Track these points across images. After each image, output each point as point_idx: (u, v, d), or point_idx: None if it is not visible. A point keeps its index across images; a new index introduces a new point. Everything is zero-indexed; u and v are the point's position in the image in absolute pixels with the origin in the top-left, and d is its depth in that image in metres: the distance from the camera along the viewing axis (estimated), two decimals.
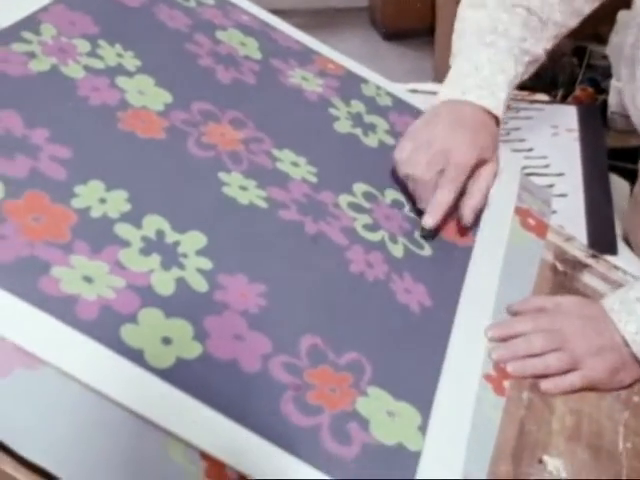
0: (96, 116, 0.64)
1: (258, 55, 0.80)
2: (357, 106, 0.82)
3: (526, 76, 0.85)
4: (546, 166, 1.09)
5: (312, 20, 3.19)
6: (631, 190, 1.02)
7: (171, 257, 0.58)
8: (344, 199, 0.70)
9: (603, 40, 1.44)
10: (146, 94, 0.68)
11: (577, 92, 1.49)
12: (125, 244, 0.57)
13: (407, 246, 0.70)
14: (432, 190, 0.72)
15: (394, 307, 0.64)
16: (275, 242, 0.63)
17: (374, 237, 0.69)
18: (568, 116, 1.21)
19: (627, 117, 1.37)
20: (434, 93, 1.31)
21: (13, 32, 0.67)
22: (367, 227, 0.69)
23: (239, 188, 0.66)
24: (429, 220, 0.71)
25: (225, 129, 0.70)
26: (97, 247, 0.56)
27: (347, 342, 0.59)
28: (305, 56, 0.85)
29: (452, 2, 2.62)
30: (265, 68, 0.79)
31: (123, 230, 0.58)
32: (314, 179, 0.70)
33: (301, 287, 0.61)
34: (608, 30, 1.40)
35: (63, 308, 0.51)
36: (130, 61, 0.71)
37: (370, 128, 0.80)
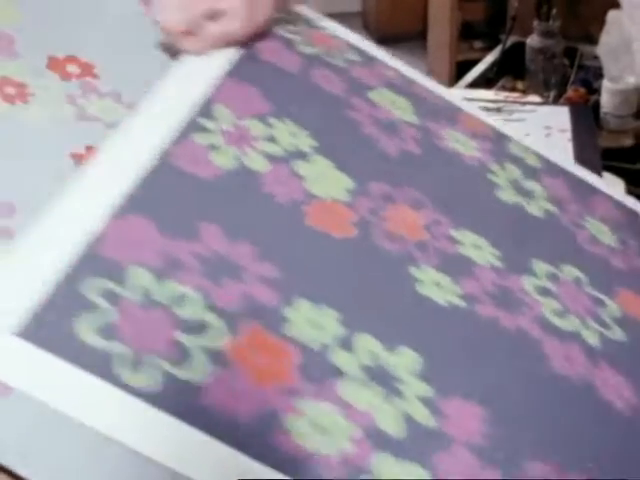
0: (286, 216, 0.60)
1: (413, 118, 0.75)
2: (513, 170, 0.77)
3: None
4: None
5: None
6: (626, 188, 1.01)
7: (389, 385, 0.53)
8: (529, 282, 0.66)
9: (594, 40, 1.44)
10: (326, 180, 0.64)
11: (569, 93, 1.49)
12: (343, 375, 0.52)
13: (601, 332, 0.65)
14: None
15: (602, 410, 0.59)
16: (481, 348, 0.59)
17: (566, 325, 0.64)
18: (561, 117, 1.20)
19: (620, 117, 1.38)
20: None
21: (191, 121, 0.63)
22: (557, 313, 0.64)
23: (433, 284, 0.61)
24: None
25: (405, 213, 0.66)
26: (319, 383, 0.51)
27: (575, 465, 0.55)
28: (451, 114, 0.80)
29: (444, 6, 2.62)
30: (423, 133, 0.74)
31: (339, 358, 0.53)
32: (498, 263, 0.66)
33: (516, 400, 0.57)
34: (599, 30, 1.40)
35: (304, 469, 0.47)
36: (304, 141, 0.66)
37: (529, 195, 0.75)
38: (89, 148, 0.63)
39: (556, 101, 1.44)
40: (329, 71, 0.74)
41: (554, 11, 1.45)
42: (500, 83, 1.61)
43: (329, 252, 0.59)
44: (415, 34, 3.05)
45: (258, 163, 0.62)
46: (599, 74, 1.43)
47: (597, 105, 1.40)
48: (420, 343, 0.56)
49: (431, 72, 2.74)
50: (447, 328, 0.59)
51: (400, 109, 0.75)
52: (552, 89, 1.48)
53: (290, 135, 0.65)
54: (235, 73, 0.68)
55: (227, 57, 0.69)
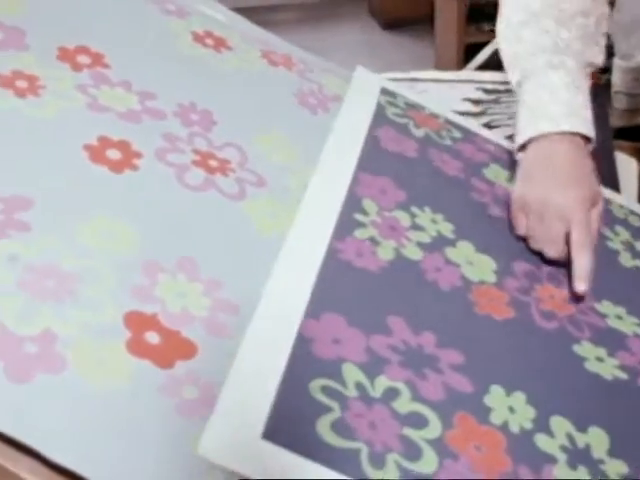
0: (453, 303, 0.63)
1: None
2: (623, 233, 0.80)
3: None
4: None
5: (311, 12, 3.18)
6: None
7: (594, 466, 0.55)
8: None
9: None
10: (474, 264, 0.68)
11: None
12: (552, 460, 0.55)
13: None
14: (564, 249, 0.72)
15: None
16: None
17: None
18: None
19: (632, 95, 1.36)
20: (436, 81, 1.30)
21: (347, 217, 0.66)
22: None
23: (596, 360, 0.64)
24: (581, 285, 0.69)
25: (550, 289, 0.69)
26: (535, 469, 0.53)
27: None
28: None
29: None
30: None
31: (542, 442, 0.55)
32: None
33: None
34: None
35: None
36: (444, 226, 0.70)
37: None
38: (101, 138, 0.63)
39: None
40: (442, 152, 0.79)
41: None
42: None
43: (497, 335, 0.62)
44: (421, 18, 3.03)
45: (414, 252, 0.66)
46: (610, 52, 1.42)
47: (608, 84, 1.39)
48: (604, 421, 0.58)
49: (439, 56, 2.72)
50: (619, 403, 0.61)
51: (513, 183, 0.77)
52: None
53: (431, 222, 0.70)
54: (367, 167, 0.72)
55: (355, 150, 0.73)
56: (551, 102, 0.77)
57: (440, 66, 2.56)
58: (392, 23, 3.10)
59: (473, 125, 0.87)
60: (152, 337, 0.52)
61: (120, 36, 0.73)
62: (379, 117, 0.79)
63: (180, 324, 0.54)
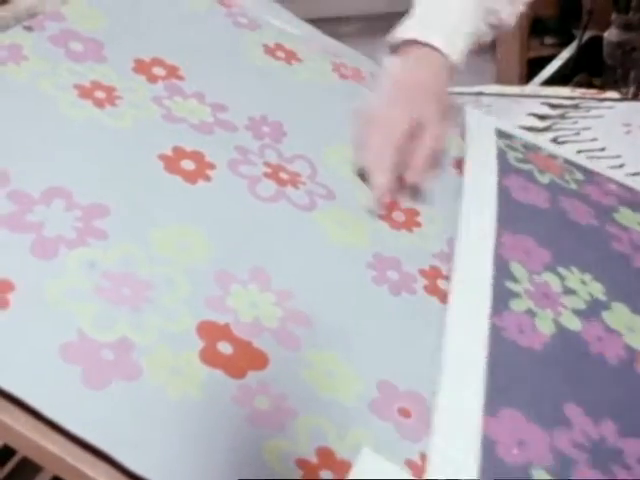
0: (624, 379, 0.61)
1: None
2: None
3: (484, 39, 0.85)
4: (620, 166, 1.05)
5: (374, 24, 3.18)
6: None
7: None
8: None
9: None
10: (635, 330, 0.65)
11: None
12: None
13: None
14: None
15: None
16: None
17: None
18: None
19: None
20: (500, 95, 1.29)
21: (500, 286, 0.64)
22: None
23: None
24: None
25: None
26: None
27: None
28: None
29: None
30: None
31: None
32: None
33: None
34: None
35: None
36: (595, 287, 0.67)
37: None
38: (175, 149, 0.64)
39: (635, 97, 1.40)
40: (572, 198, 0.76)
41: (634, 2, 1.41)
42: (575, 80, 1.57)
43: None
44: None
45: (572, 322, 0.63)
46: None
47: None
48: None
49: (500, 70, 2.70)
50: None
51: None
52: (631, 84, 1.44)
53: (581, 283, 0.67)
54: (507, 224, 0.70)
55: (491, 205, 0.71)
56: (438, 17, 0.78)
57: (502, 80, 2.54)
58: None
59: (591, 164, 0.85)
60: (225, 347, 0.53)
61: (194, 49, 0.75)
62: (504, 164, 0.77)
63: (252, 334, 0.54)
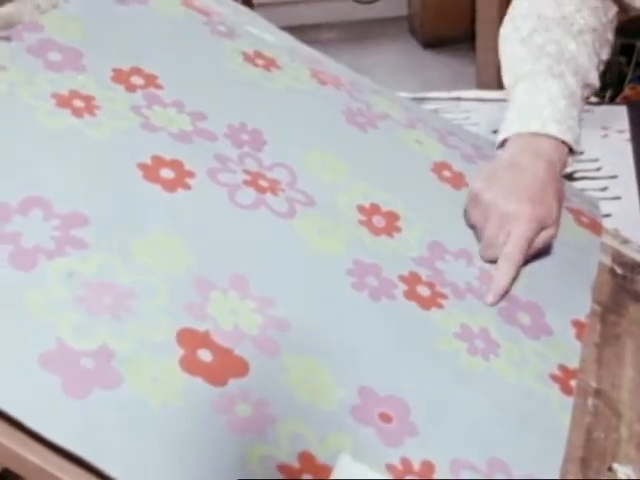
0: None
1: None
2: None
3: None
4: (598, 169, 1.06)
5: (351, 32, 3.19)
6: None
7: None
8: None
9: None
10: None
11: (626, 91, 1.46)
12: None
13: None
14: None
15: None
16: None
17: None
18: (618, 117, 1.18)
19: None
20: (479, 100, 1.30)
21: None
22: None
23: None
24: (489, 298, 0.68)
25: None
26: None
27: None
28: None
29: (493, 7, 2.59)
30: None
31: None
32: None
33: None
34: None
35: None
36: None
37: None
38: (154, 158, 0.64)
39: (612, 100, 1.41)
40: None
41: None
42: None
43: None
44: (462, 37, 3.02)
45: None
46: None
47: None
48: None
49: (480, 74, 2.72)
50: None
51: None
52: (608, 88, 1.45)
53: None
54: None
55: None
56: (545, 106, 0.76)
57: (481, 85, 2.55)
58: (432, 42, 3.10)
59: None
60: (205, 355, 0.53)
61: (172, 57, 0.75)
62: None
63: (232, 342, 0.54)
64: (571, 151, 0.77)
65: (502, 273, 0.69)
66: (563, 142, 0.76)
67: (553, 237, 0.72)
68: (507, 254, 0.69)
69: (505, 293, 0.68)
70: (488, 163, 0.77)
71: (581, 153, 0.81)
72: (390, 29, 3.20)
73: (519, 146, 0.75)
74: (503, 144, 0.77)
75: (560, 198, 0.74)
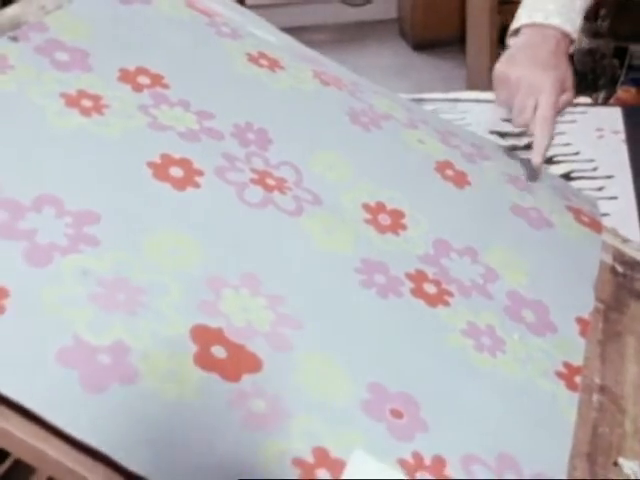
0: None
1: None
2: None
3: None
4: (594, 169, 1.08)
5: (342, 34, 3.20)
6: None
7: None
8: None
9: None
10: None
11: (619, 93, 1.47)
12: None
13: None
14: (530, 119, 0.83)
15: None
16: None
17: None
18: (613, 118, 1.20)
19: None
20: (475, 101, 1.31)
21: None
22: None
23: None
24: (538, 158, 0.81)
25: None
26: None
27: None
28: None
29: (483, 10, 2.60)
30: None
31: None
32: None
33: None
34: None
35: None
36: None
37: None
38: (163, 156, 0.65)
39: (605, 102, 1.43)
40: None
41: (602, 11, 1.43)
42: None
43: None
44: (452, 39, 3.04)
45: None
46: None
47: None
48: None
49: (470, 77, 2.73)
50: None
51: None
52: (601, 90, 1.47)
53: None
54: None
55: None
56: (550, 1, 0.90)
57: (472, 87, 2.57)
58: (423, 44, 3.11)
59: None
60: (218, 351, 0.53)
61: (178, 58, 0.75)
62: None
63: (245, 338, 0.55)
64: (571, 40, 0.91)
65: (541, 134, 0.82)
66: (564, 32, 0.89)
67: (571, 101, 0.88)
68: (541, 116, 0.82)
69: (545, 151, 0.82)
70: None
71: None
72: (380, 31, 3.21)
73: (529, 33, 0.90)
74: (515, 34, 0.91)
75: (570, 70, 0.89)
